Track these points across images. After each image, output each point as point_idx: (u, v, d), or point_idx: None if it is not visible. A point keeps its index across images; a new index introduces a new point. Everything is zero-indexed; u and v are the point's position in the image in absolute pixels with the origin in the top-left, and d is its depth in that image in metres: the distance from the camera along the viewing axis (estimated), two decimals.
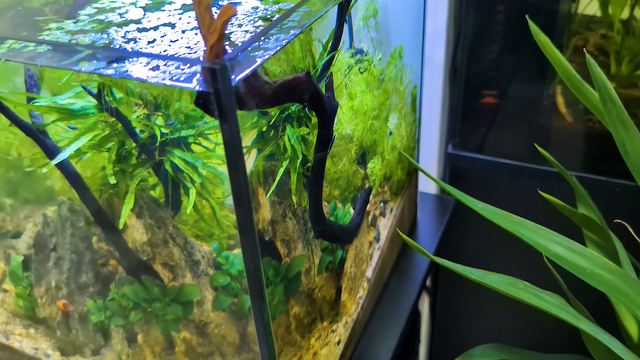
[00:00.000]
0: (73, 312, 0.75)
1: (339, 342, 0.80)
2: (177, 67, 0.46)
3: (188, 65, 0.46)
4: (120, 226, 0.61)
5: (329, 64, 0.61)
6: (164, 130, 0.60)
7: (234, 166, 0.42)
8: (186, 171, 0.60)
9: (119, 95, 0.61)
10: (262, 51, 0.47)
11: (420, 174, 1.07)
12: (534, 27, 0.68)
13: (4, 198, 0.84)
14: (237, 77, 0.42)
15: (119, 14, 0.61)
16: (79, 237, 0.74)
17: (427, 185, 1.21)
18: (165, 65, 0.47)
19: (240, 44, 0.49)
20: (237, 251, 0.78)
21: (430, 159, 1.20)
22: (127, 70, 0.47)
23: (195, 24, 0.55)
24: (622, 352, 0.58)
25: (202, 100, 0.42)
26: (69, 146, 0.62)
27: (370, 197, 0.84)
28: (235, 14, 0.39)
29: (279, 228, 0.65)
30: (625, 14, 1.12)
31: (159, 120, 0.62)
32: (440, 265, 0.59)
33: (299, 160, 0.60)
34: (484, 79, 1.12)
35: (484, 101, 1.13)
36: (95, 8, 0.63)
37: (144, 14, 0.60)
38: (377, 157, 0.81)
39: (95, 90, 0.59)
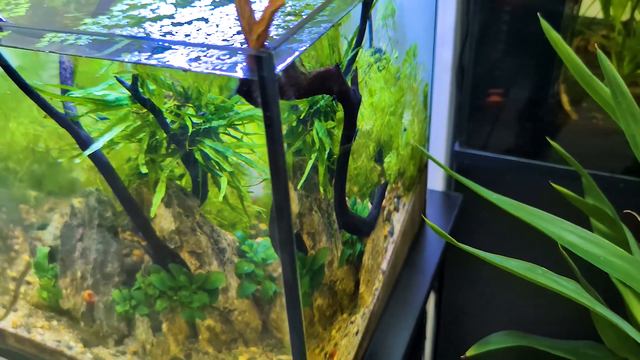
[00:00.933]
0: (98, 302, 0.76)
1: (357, 333, 0.82)
2: (218, 57, 0.48)
3: (228, 55, 0.48)
4: (152, 214, 0.63)
5: (353, 59, 0.64)
6: (195, 120, 0.62)
7: (274, 153, 0.45)
8: (217, 160, 0.62)
9: (151, 87, 0.63)
10: (297, 43, 0.49)
11: (429, 171, 1.10)
12: (545, 24, 0.71)
13: (28, 190, 0.86)
14: (279, 66, 0.44)
15: (150, 10, 0.63)
16: (106, 227, 0.76)
17: (434, 183, 1.24)
18: (205, 55, 0.49)
19: (275, 37, 0.51)
20: (260, 240, 0.80)
21: (437, 157, 1.22)
22: (168, 61, 0.49)
23: (228, 18, 0.57)
24: (635, 334, 0.61)
25: (246, 88, 0.44)
26: (101, 137, 0.64)
27: (386, 193, 0.86)
28: (284, 4, 0.41)
29: (305, 221, 0.67)
30: (626, 16, 1.16)
31: (190, 112, 0.64)
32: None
33: (326, 153, 0.63)
34: (490, 78, 1.15)
35: (490, 100, 1.16)
36: (127, 4, 0.65)
37: (176, 10, 0.62)
38: (392, 153, 0.83)
39: (128, 82, 0.61)
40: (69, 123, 0.63)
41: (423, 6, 0.87)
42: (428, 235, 1.09)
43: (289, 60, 0.44)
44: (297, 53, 0.46)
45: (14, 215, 0.86)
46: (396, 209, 0.91)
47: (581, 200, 0.73)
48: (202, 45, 0.48)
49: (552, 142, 0.75)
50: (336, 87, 0.54)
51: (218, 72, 0.44)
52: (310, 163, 0.59)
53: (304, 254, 0.67)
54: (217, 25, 0.56)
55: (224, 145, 0.63)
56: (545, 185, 0.82)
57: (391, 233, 0.90)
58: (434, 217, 1.14)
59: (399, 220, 0.93)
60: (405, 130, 0.87)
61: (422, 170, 1.04)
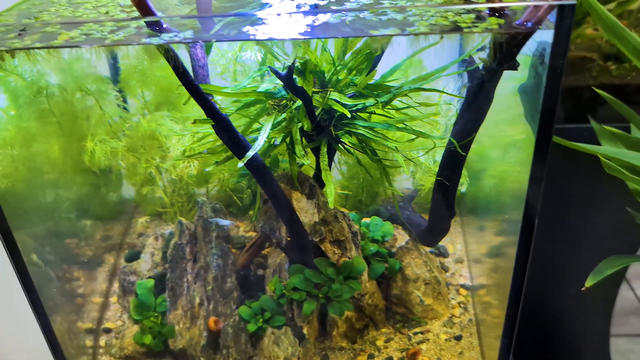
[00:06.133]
0: (226, 327, 0.74)
1: None
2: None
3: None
4: (331, 205, 0.66)
5: None
6: (349, 102, 0.67)
7: (549, 103, 0.53)
8: (376, 139, 0.68)
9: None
10: None
11: None
12: None
13: (85, 221, 0.79)
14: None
15: None
16: (223, 238, 0.75)
17: None
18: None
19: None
20: (366, 220, 0.86)
21: None
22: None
23: None
24: None
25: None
26: (259, 136, 0.64)
27: None
28: None
29: None
30: None
31: (335, 95, 0.68)
32: None
33: None
34: None
35: None
36: None
37: None
38: None
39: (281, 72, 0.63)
40: (230, 124, 0.63)
41: None
42: None
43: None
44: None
45: (65, 253, 0.77)
46: None
47: None
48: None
49: (601, 93, 0.93)
50: None
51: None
52: None
53: None
54: None
55: (384, 121, 0.69)
56: None
57: None
58: None
59: None
60: None
61: None
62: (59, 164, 0.75)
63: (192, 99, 0.70)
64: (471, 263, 0.90)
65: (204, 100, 0.60)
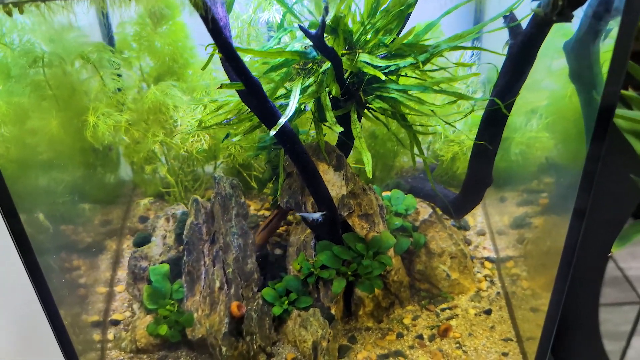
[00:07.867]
0: (249, 311, 0.70)
1: None
2: None
3: None
4: (369, 174, 0.62)
5: None
6: (381, 64, 0.63)
7: (621, 53, 0.50)
8: (410, 103, 0.64)
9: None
10: None
11: None
12: None
13: (83, 204, 0.72)
14: None
15: None
16: (242, 215, 0.70)
17: None
18: None
19: None
20: (386, 194, 0.82)
21: None
22: None
23: None
24: None
25: None
26: (290, 101, 0.60)
27: None
28: None
29: None
30: None
31: (365, 57, 0.64)
32: None
33: None
34: None
35: None
36: None
37: None
38: None
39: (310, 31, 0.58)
40: (261, 90, 0.58)
41: None
42: None
43: None
44: None
45: (61, 240, 0.71)
46: None
47: None
48: None
49: None
50: None
51: None
52: None
53: None
54: None
55: (419, 84, 0.65)
56: None
57: None
58: None
59: None
60: None
61: None
62: (56, 143, 0.68)
63: (208, 66, 0.66)
64: (495, 235, 0.88)
65: (237, 61, 0.55)
